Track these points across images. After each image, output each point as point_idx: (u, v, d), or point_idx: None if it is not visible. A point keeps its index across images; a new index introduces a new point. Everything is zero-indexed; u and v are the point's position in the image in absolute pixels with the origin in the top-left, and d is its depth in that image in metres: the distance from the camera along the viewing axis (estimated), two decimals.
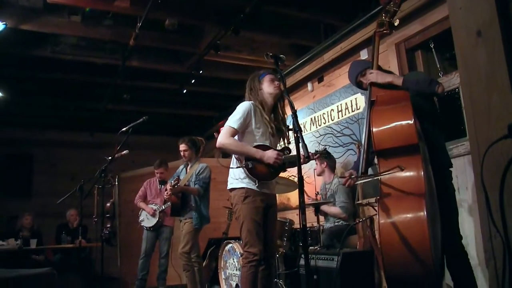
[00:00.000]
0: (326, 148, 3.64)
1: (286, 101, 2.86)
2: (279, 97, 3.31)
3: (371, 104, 2.76)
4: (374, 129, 2.52)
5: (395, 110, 2.56)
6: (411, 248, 2.22)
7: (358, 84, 3.27)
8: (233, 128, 3.11)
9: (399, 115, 2.51)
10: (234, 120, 3.13)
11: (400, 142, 2.46)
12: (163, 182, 6.24)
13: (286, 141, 3.34)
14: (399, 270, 2.27)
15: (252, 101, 3.25)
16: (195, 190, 4.86)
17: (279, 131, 3.31)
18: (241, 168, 3.12)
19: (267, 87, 3.27)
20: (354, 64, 3.39)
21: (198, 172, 4.97)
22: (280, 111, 3.35)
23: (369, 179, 2.75)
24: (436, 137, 2.89)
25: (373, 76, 2.96)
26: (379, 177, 2.54)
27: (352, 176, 2.82)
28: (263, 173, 3.11)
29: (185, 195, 4.93)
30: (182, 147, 5.06)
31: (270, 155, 3.08)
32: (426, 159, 2.59)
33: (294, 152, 2.60)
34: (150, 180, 6.45)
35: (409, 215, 2.29)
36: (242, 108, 3.18)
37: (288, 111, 2.87)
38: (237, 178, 3.18)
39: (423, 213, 2.23)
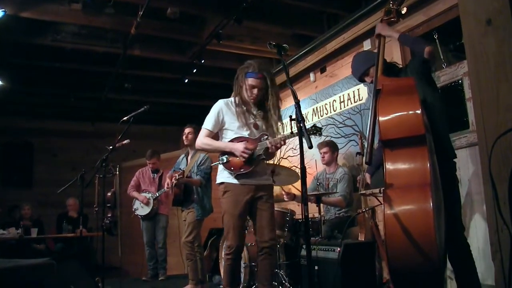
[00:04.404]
0: (320, 127, 3.37)
1: (289, 92, 2.83)
2: (264, 93, 3.19)
3: (376, 93, 2.72)
4: (381, 119, 2.48)
5: (402, 100, 2.52)
6: (416, 239, 2.19)
7: (361, 81, 3.39)
8: (206, 129, 3.27)
9: (407, 105, 2.47)
10: (207, 121, 3.28)
11: (407, 132, 2.42)
12: (156, 171, 6.29)
13: (275, 130, 3.25)
14: (404, 262, 2.25)
15: (225, 99, 3.30)
16: (197, 181, 4.86)
17: (267, 122, 3.24)
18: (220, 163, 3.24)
19: (245, 91, 3.20)
20: (359, 59, 3.35)
21: (200, 163, 4.96)
22: (270, 103, 3.19)
23: None
24: (441, 128, 2.86)
25: (377, 28, 3.02)
26: (383, 170, 2.52)
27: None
28: (238, 165, 3.17)
29: (187, 186, 4.92)
30: (188, 129, 5.07)
31: (236, 147, 3.13)
32: (432, 150, 2.56)
33: (295, 141, 2.58)
34: (142, 170, 6.49)
35: (414, 206, 2.26)
36: (213, 108, 3.29)
37: (291, 101, 2.83)
38: (218, 173, 3.31)
39: (428, 205, 2.20)
